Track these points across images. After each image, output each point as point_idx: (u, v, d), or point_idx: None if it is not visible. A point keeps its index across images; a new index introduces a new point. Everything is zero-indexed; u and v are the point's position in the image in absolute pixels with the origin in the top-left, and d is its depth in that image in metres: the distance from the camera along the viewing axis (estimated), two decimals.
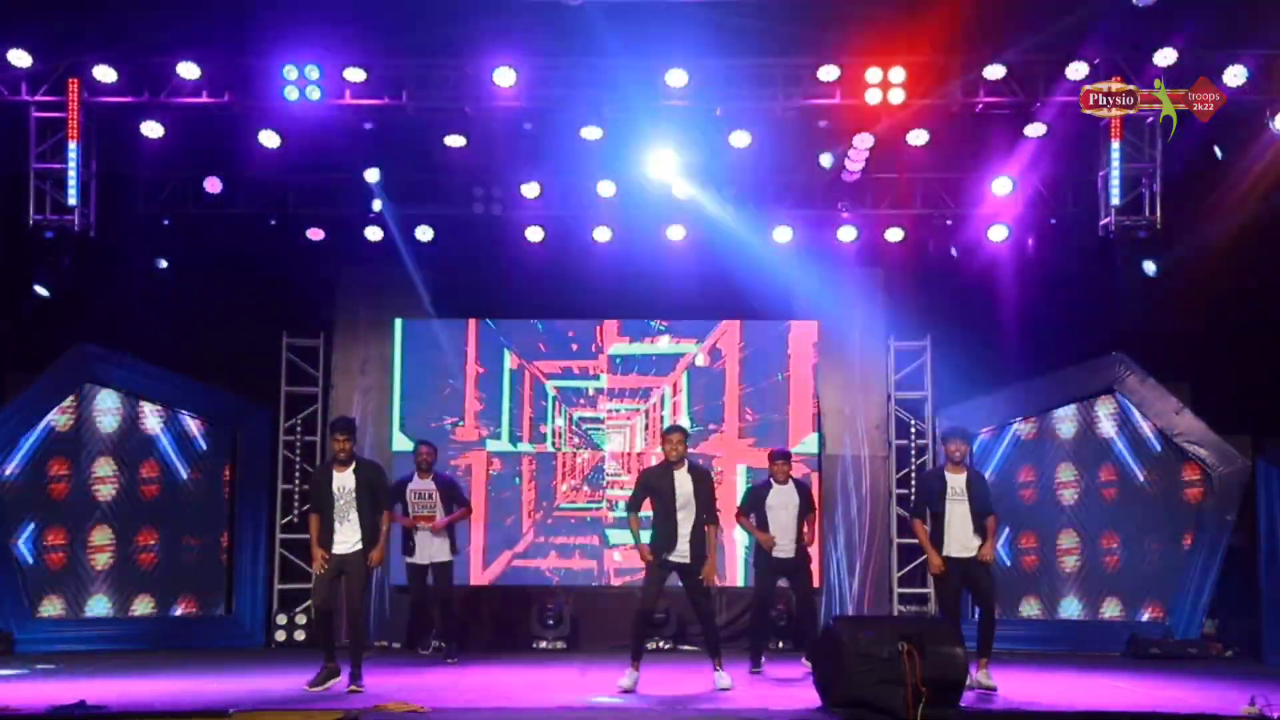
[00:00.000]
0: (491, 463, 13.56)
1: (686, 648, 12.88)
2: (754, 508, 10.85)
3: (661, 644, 12.81)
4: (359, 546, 9.15)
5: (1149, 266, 12.02)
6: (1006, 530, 13.07)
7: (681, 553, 9.23)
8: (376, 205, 12.95)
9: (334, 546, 9.12)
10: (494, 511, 13.48)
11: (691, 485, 9.27)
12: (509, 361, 13.68)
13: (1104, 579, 12.86)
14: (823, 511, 13.36)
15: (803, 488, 11.03)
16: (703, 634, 10.05)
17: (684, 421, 13.23)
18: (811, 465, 13.37)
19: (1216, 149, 11.66)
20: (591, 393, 13.67)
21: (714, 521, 9.38)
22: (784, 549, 10.70)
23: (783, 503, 10.73)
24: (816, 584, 13.09)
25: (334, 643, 9.31)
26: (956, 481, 9.52)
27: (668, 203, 13.12)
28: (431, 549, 11.51)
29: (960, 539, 9.41)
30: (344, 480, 9.16)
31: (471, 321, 13.76)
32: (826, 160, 11.97)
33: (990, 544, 9.47)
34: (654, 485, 9.31)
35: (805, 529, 10.86)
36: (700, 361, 13.68)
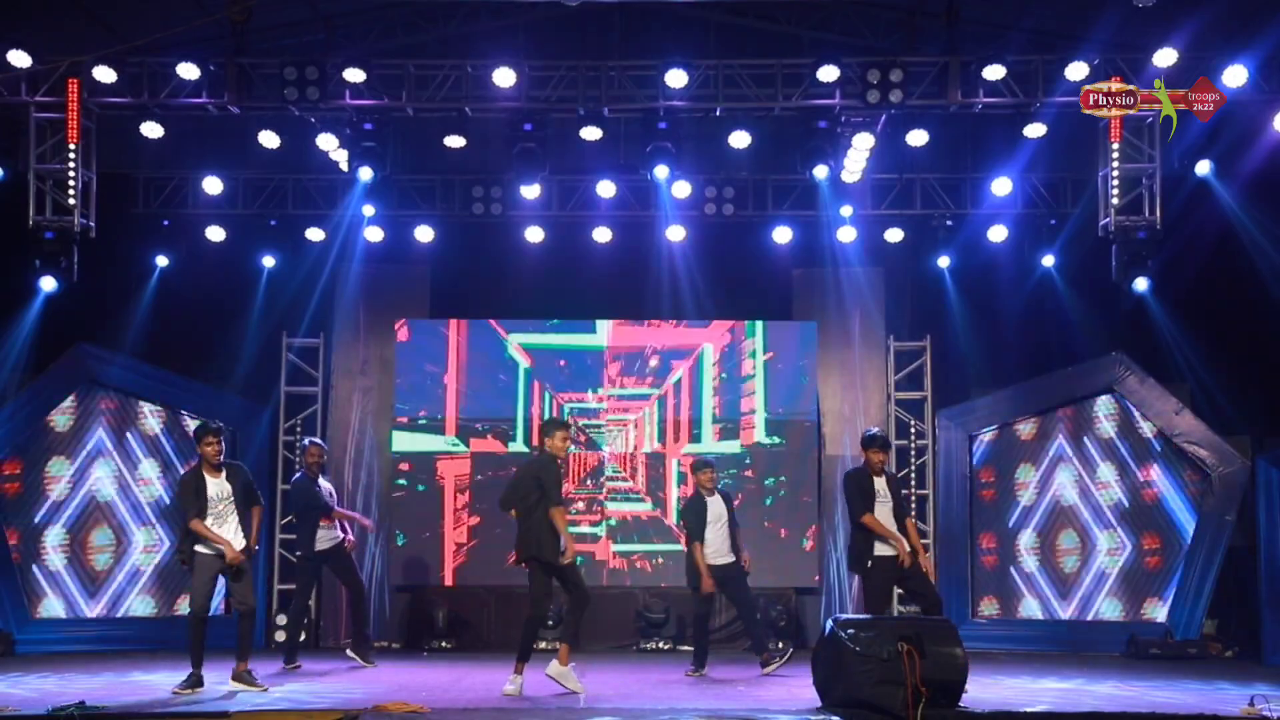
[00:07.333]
0: (480, 463, 13.54)
1: (686, 648, 12.87)
2: (700, 525, 10.49)
3: (661, 644, 12.82)
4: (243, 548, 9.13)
5: (1140, 283, 12.02)
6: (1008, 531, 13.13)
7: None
8: (369, 210, 12.92)
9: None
10: (491, 513, 13.43)
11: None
12: (508, 360, 13.66)
13: (1104, 579, 12.86)
14: (822, 512, 13.41)
15: (727, 498, 10.75)
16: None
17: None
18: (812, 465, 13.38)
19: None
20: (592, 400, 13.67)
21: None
22: (720, 556, 10.49)
23: (716, 514, 10.55)
24: (815, 582, 13.16)
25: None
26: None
27: (668, 203, 13.13)
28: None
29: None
30: (220, 485, 9.12)
31: (470, 322, 13.75)
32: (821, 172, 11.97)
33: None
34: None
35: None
36: (709, 356, 13.65)
